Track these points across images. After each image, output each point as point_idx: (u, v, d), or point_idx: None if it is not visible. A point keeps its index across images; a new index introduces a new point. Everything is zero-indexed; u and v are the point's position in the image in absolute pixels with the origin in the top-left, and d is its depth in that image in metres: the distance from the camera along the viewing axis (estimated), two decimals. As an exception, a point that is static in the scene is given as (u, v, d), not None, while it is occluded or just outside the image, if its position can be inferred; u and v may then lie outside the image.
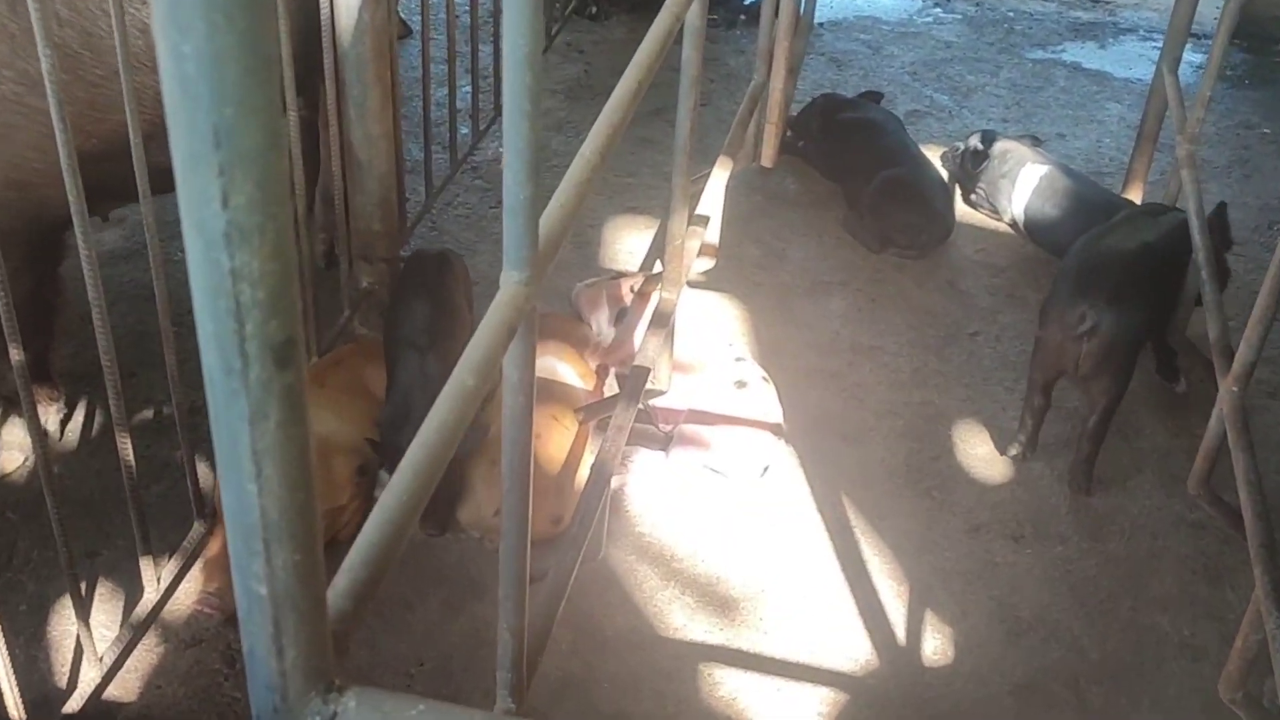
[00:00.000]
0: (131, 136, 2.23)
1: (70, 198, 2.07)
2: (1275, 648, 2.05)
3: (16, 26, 2.47)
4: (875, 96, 4.78)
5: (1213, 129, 5.17)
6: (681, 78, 2.50)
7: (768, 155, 3.53)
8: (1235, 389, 2.58)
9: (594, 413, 2.95)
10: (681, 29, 2.42)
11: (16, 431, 3.08)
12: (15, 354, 2.10)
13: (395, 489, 1.15)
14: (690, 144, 2.60)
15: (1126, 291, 3.12)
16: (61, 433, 3.14)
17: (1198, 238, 3.20)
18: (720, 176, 3.36)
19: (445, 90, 4.30)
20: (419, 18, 5.16)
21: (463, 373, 1.28)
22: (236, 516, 0.82)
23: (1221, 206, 3.57)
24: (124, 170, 2.31)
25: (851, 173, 4.37)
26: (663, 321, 2.73)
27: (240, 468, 0.80)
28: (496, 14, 4.76)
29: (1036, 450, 3.34)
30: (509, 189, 1.35)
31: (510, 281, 1.39)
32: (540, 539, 2.75)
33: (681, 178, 2.63)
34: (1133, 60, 5.88)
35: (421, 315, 2.98)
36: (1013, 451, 3.33)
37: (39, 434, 2.16)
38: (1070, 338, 3.11)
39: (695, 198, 3.30)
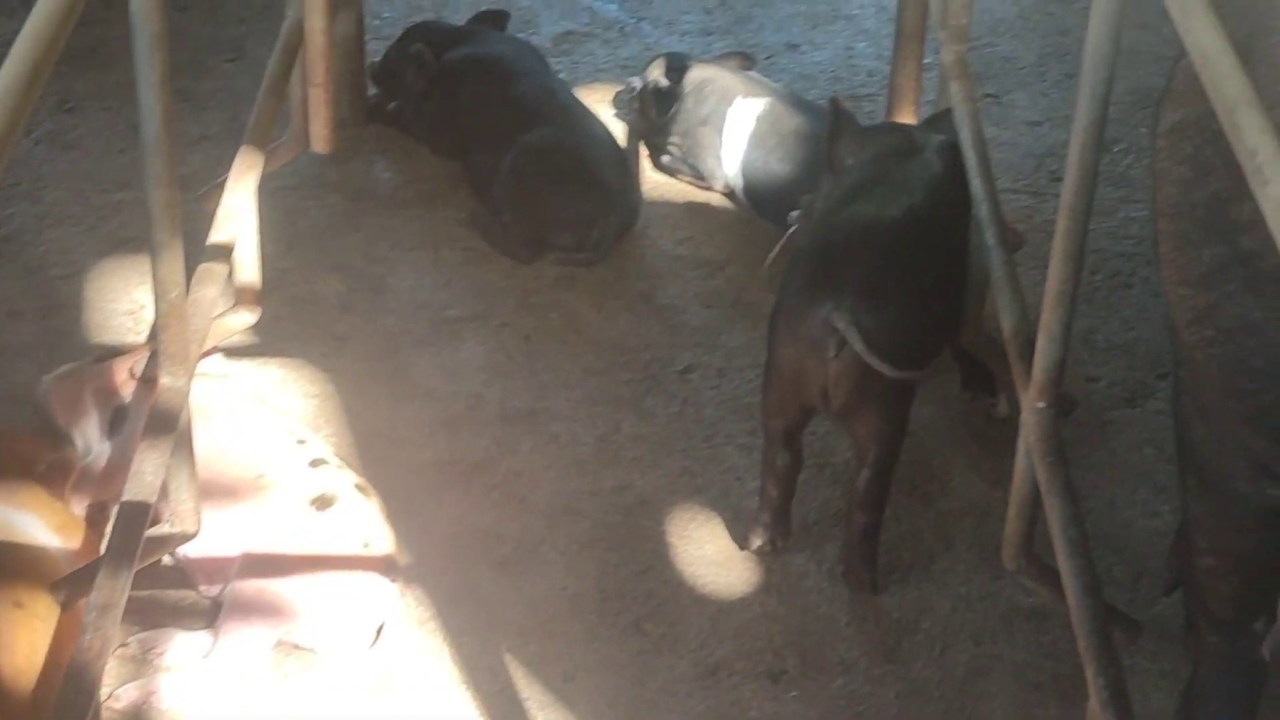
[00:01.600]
0: None
1: None
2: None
3: None
4: (498, 19, 4.94)
5: (1013, 10, 5.57)
6: (135, 40, 2.56)
7: (319, 135, 3.62)
8: (1042, 404, 2.81)
9: (82, 585, 2.95)
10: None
11: None
12: None
13: None
14: (168, 142, 2.66)
15: (887, 280, 3.33)
16: None
17: (978, 184, 3.47)
18: (248, 178, 3.43)
19: None
20: None
21: None
22: None
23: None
24: None
25: (475, 144, 4.52)
26: (166, 425, 2.77)
27: None
28: None
29: (792, 535, 3.52)
30: None
31: None
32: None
33: (163, 191, 2.69)
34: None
35: None
36: (756, 543, 3.50)
37: None
38: (812, 357, 3.30)
39: (213, 218, 3.36)
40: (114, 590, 2.52)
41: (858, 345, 3.17)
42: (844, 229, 3.44)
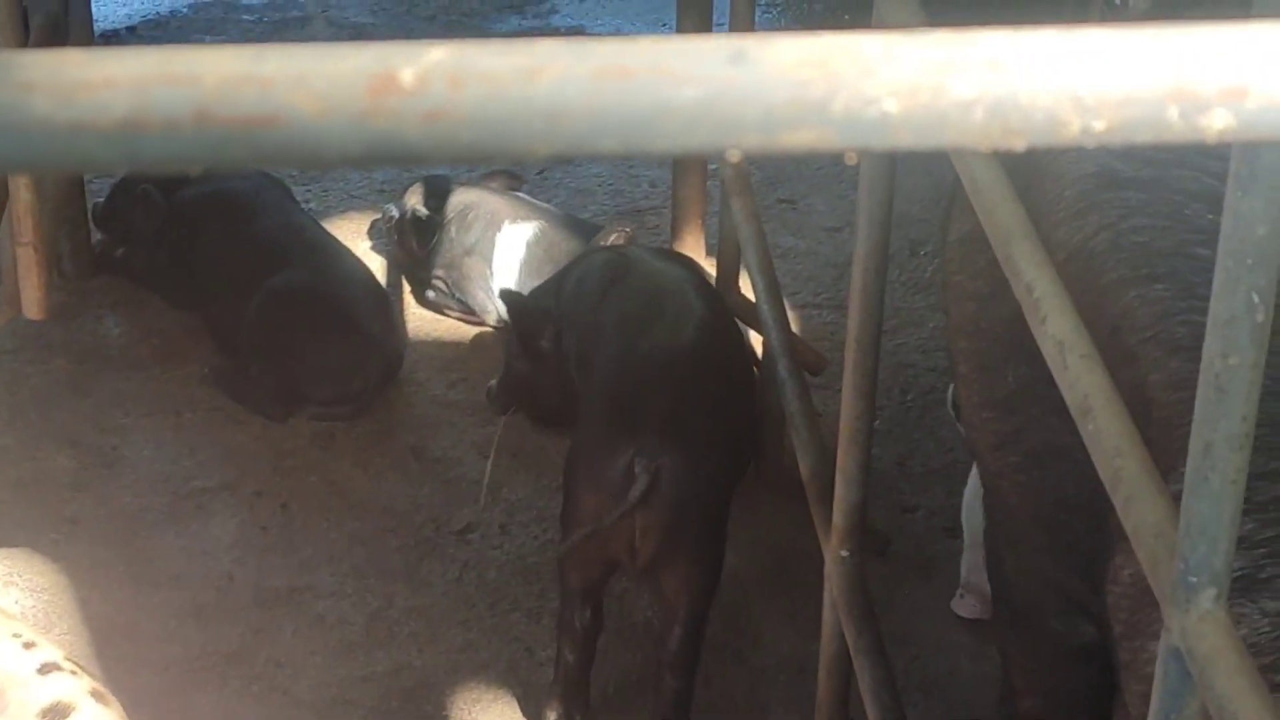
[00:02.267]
0: None
1: None
2: None
3: None
4: None
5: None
6: None
7: (32, 299, 3.61)
8: (845, 553, 2.88)
9: None
10: None
11: None
12: None
13: None
14: None
15: (693, 416, 3.41)
16: None
17: (766, 309, 3.56)
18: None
19: None
20: None
21: None
22: None
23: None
24: None
25: (216, 292, 4.54)
26: None
27: None
28: None
29: (590, 707, 3.55)
30: None
31: None
32: None
33: None
34: (662, 8, 6.37)
35: None
36: (552, 717, 3.52)
37: None
38: (616, 508, 3.34)
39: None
40: None
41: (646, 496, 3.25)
42: (642, 362, 3.51)
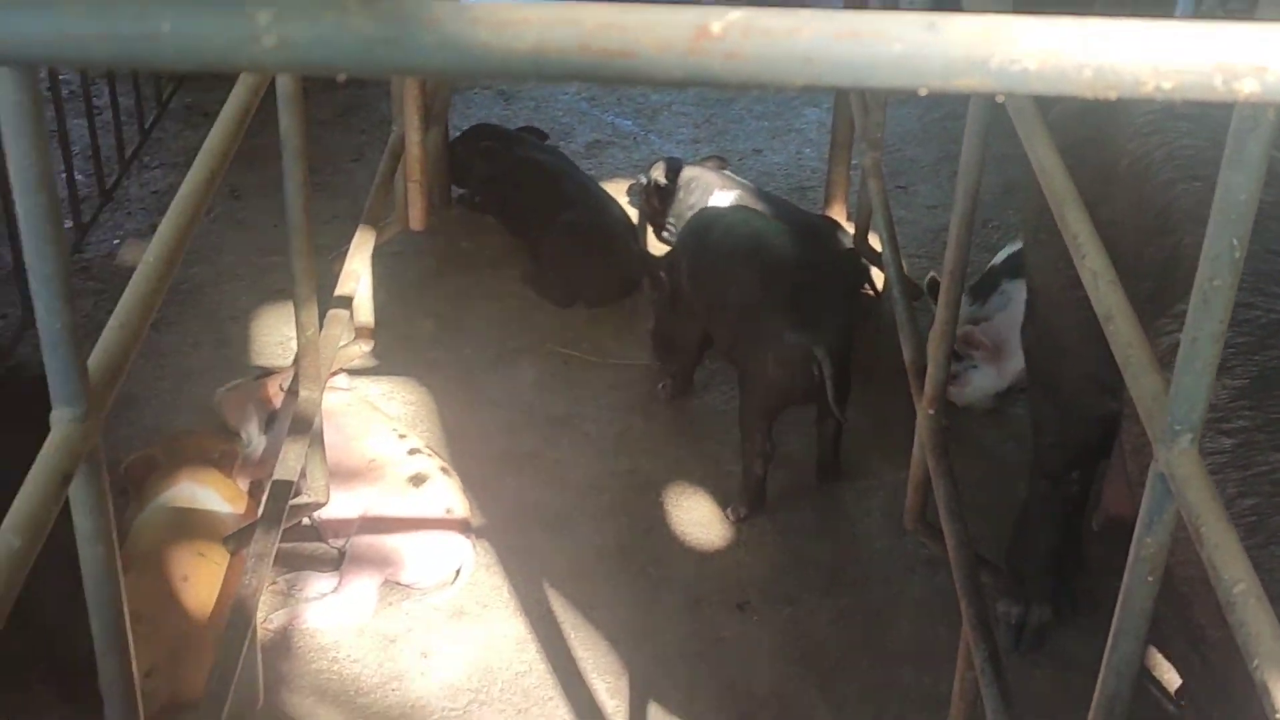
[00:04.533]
0: None
1: None
2: (984, 682, 2.30)
3: None
4: (539, 133, 4.98)
5: (917, 125, 5.61)
6: (283, 151, 2.62)
7: (415, 217, 3.68)
8: (931, 411, 2.86)
9: (245, 539, 3.00)
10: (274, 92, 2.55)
11: None
12: None
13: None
14: (307, 221, 2.72)
15: (835, 313, 3.53)
16: None
17: (888, 252, 3.52)
18: (364, 248, 3.48)
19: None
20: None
21: (7, 533, 1.36)
22: None
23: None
24: None
25: (530, 222, 4.57)
26: (304, 425, 2.83)
27: None
28: (86, 87, 4.76)
29: (763, 508, 3.57)
30: (42, 320, 1.44)
31: (62, 421, 1.48)
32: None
33: (302, 259, 2.75)
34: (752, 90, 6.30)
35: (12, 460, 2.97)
36: (743, 511, 3.54)
37: None
38: (801, 375, 3.39)
39: (339, 276, 3.41)
40: (267, 543, 2.57)
41: (828, 370, 3.38)
42: (791, 267, 3.54)
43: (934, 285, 3.97)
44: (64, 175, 4.56)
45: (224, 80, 5.47)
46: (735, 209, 4.25)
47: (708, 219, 3.98)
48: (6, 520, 1.38)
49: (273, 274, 4.48)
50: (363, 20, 0.72)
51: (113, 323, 1.65)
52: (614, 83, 0.77)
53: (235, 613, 2.37)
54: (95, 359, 1.56)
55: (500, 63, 0.74)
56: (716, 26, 0.73)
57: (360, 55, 0.73)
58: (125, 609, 1.62)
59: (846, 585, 3.39)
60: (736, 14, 0.74)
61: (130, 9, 0.72)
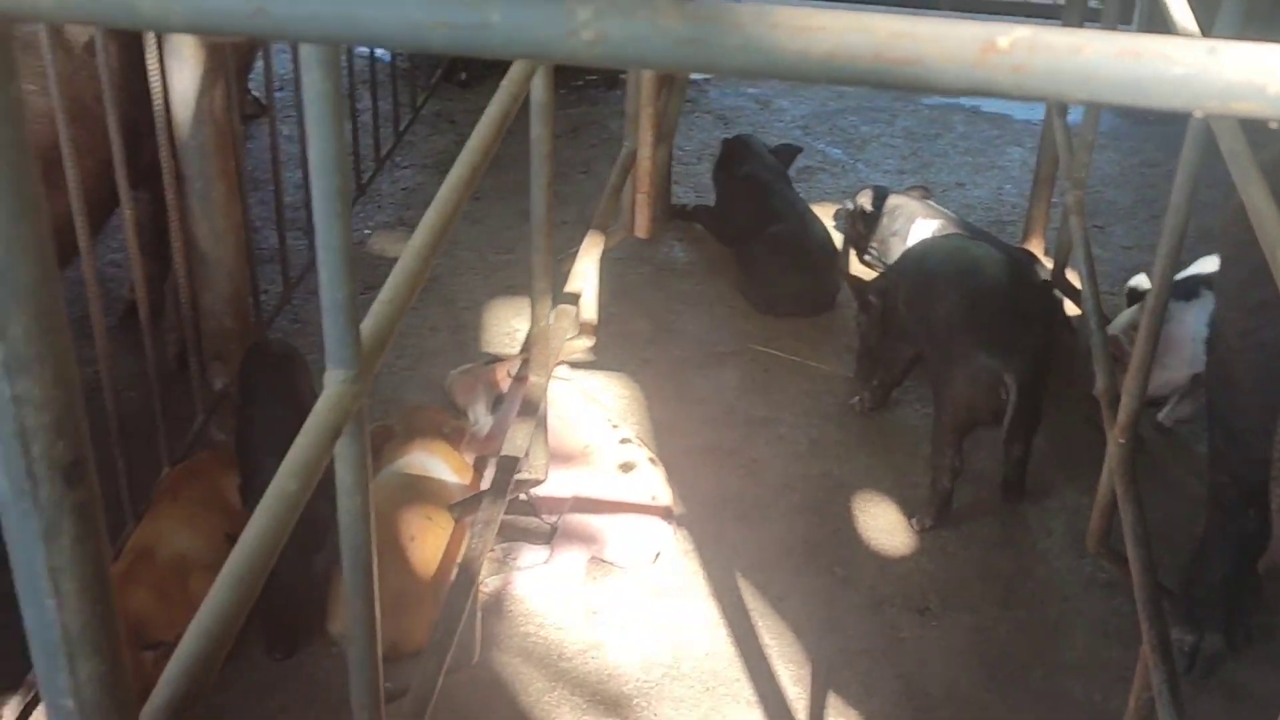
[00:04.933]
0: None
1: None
2: (1161, 704, 2.22)
3: None
4: (791, 152, 4.95)
5: (1116, 169, 5.46)
6: (532, 156, 2.66)
7: (641, 225, 3.71)
8: (1122, 441, 2.77)
9: (469, 508, 3.06)
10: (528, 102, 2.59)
11: None
12: None
13: (215, 599, 1.27)
14: (549, 222, 2.76)
15: (1027, 341, 3.41)
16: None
17: (1086, 285, 3.43)
18: (592, 251, 3.52)
19: (300, 172, 4.42)
20: (281, 94, 5.32)
21: (284, 478, 1.41)
22: (38, 634, 0.94)
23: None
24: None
25: (740, 233, 4.57)
26: (531, 408, 2.87)
27: (38, 586, 0.92)
28: (351, 86, 4.91)
29: (948, 519, 3.50)
30: (325, 288, 1.48)
31: (335, 381, 1.53)
32: (421, 649, 2.84)
33: (541, 256, 2.79)
34: (1034, 101, 6.18)
35: (275, 418, 3.08)
36: (928, 521, 3.48)
37: None
38: (991, 397, 3.34)
39: (568, 275, 3.46)
40: (493, 513, 2.61)
41: (1013, 395, 3.33)
42: (992, 296, 3.48)
43: (1133, 294, 3.88)
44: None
45: (470, 91, 5.59)
46: (955, 237, 4.17)
47: (929, 245, 3.98)
48: (283, 466, 1.43)
49: (505, 270, 4.57)
50: (674, 21, 0.73)
51: (382, 296, 1.70)
52: (901, 89, 0.76)
53: (461, 573, 2.41)
54: (365, 328, 1.61)
55: (796, 65, 0.73)
56: (1004, 41, 0.72)
57: (669, 53, 0.73)
58: (374, 556, 1.66)
59: (1025, 599, 3.31)
60: (1023, 30, 0.72)
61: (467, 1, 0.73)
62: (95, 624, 0.95)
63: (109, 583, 0.96)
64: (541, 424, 3.01)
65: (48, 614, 0.93)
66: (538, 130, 2.64)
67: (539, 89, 2.56)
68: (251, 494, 3.02)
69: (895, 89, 0.75)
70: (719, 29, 0.73)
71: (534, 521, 3.44)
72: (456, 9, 0.73)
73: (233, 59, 3.38)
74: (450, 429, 3.48)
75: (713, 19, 0.73)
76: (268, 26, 0.75)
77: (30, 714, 2.77)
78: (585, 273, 3.45)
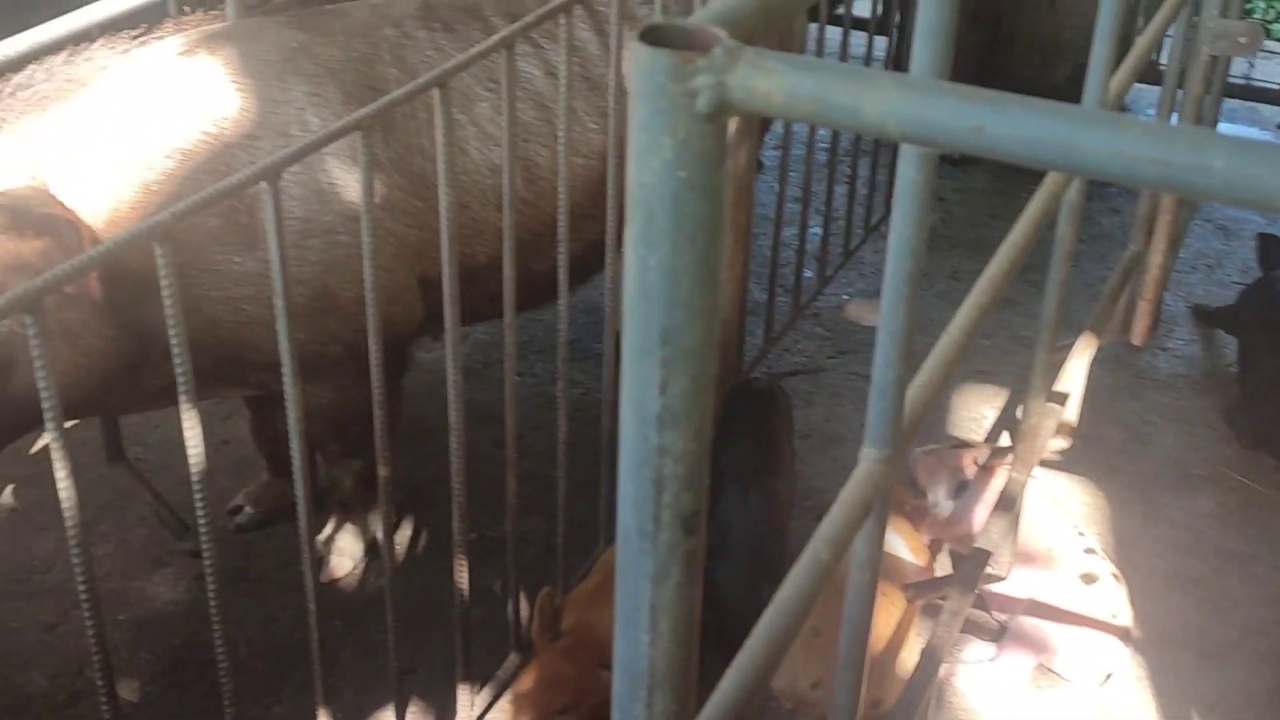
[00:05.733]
0: (505, 265, 2.55)
1: (447, 323, 2.39)
2: None
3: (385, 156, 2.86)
4: None
5: None
6: (1054, 253, 2.62)
7: (1139, 332, 3.56)
8: None
9: (924, 591, 3.04)
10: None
11: (348, 539, 3.44)
12: (382, 470, 2.42)
13: (748, 655, 1.32)
14: (1057, 319, 2.70)
15: None
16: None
17: None
18: (1085, 352, 3.42)
19: (794, 230, 4.53)
20: (771, 152, 5.49)
21: (818, 545, 1.44)
22: (626, 664, 1.01)
23: None
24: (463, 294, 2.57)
25: (1263, 349, 4.13)
26: (1009, 503, 2.81)
27: (638, 620, 0.99)
28: (855, 151, 5.00)
29: None
30: (879, 368, 1.51)
31: (869, 459, 1.55)
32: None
33: (1045, 354, 2.73)
34: None
35: (746, 448, 3.19)
36: None
37: (390, 549, 2.47)
38: None
39: (1054, 369, 3.37)
40: (962, 604, 2.58)
41: None
42: None
43: None
44: (818, 232, 4.81)
45: (960, 170, 5.52)
46: None
47: None
48: (817, 533, 1.46)
49: (979, 355, 4.50)
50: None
51: (918, 379, 1.72)
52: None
53: (927, 659, 2.39)
54: (905, 409, 1.62)
55: None
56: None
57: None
58: (871, 633, 1.68)
59: None
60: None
61: (1187, 141, 0.74)
62: (678, 666, 1.02)
63: (695, 630, 1.01)
64: (1015, 521, 2.94)
65: (640, 648, 1.00)
66: (1063, 229, 2.59)
67: (1074, 192, 2.53)
68: (714, 515, 3.09)
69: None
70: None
71: (984, 616, 3.37)
72: (1178, 150, 0.73)
73: (758, 119, 3.51)
74: (912, 508, 3.47)
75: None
76: (983, 144, 0.77)
77: (491, 709, 2.96)
78: (1075, 373, 3.36)
